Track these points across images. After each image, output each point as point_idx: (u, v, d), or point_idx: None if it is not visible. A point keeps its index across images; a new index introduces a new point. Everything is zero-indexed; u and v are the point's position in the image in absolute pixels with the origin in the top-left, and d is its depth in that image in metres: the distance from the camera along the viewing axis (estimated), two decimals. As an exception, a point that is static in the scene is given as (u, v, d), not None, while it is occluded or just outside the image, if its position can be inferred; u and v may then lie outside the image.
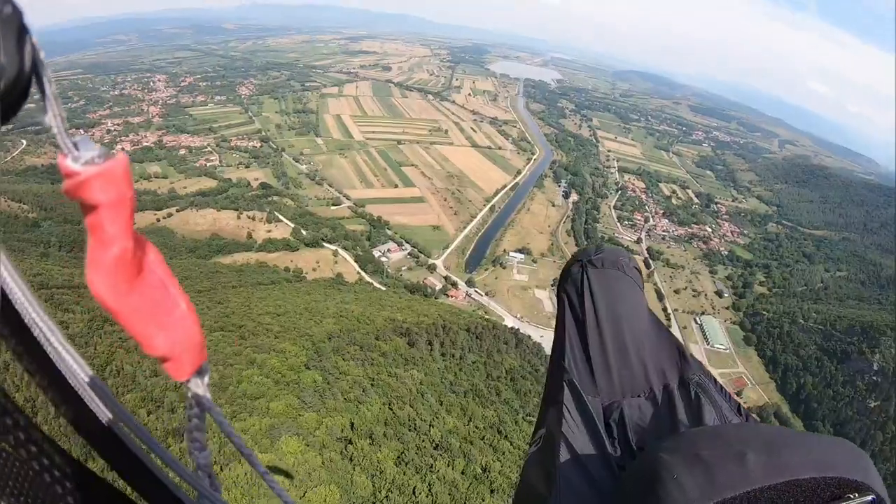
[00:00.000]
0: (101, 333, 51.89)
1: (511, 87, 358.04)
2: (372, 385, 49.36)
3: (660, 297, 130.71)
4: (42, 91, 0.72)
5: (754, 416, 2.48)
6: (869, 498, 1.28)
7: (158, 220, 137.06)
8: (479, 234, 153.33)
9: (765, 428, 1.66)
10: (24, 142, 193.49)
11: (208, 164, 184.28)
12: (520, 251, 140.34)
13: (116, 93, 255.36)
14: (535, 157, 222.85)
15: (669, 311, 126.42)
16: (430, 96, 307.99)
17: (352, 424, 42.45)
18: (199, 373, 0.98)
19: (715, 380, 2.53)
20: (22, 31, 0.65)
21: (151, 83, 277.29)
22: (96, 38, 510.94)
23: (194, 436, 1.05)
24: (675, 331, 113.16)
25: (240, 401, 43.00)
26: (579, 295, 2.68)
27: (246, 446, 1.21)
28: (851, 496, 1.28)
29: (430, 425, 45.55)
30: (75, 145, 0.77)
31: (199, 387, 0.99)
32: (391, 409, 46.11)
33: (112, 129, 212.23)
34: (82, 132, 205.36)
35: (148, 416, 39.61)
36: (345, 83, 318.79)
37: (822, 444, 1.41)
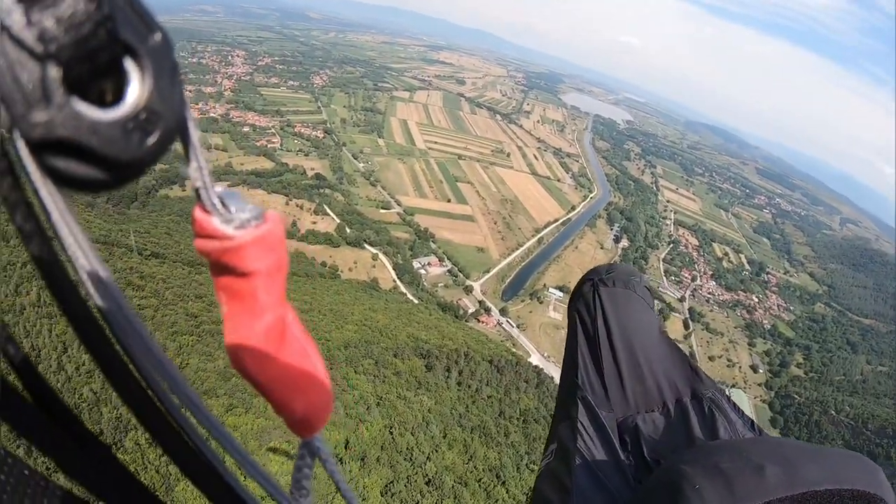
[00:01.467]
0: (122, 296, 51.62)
1: (580, 120, 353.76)
2: (378, 404, 48.13)
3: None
4: (186, 139, 0.62)
5: (766, 432, 2.54)
6: None
7: None
8: (523, 264, 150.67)
9: (783, 441, 1.70)
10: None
11: (269, 146, 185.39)
12: (559, 288, 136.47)
13: (194, 60, 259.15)
14: (592, 195, 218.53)
15: None
16: (499, 117, 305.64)
17: (346, 443, 41.42)
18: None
19: (728, 397, 2.56)
20: (175, 68, 0.57)
21: (230, 57, 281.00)
22: (187, 5, 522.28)
23: (302, 484, 1.03)
24: None
25: (239, 394, 42.13)
26: (591, 313, 2.77)
27: (350, 489, 1.20)
28: None
29: (427, 458, 44.14)
30: (223, 202, 0.68)
31: (322, 443, 0.97)
32: (391, 434, 44.85)
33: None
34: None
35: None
36: (417, 90, 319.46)
37: (839, 458, 1.44)
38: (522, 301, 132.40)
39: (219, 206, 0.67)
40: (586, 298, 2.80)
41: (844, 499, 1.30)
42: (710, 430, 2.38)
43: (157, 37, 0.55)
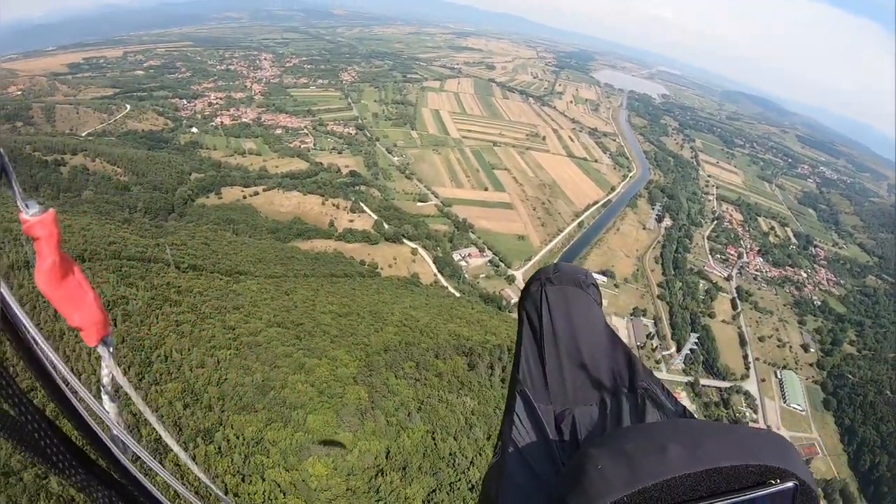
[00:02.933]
0: (159, 314, 51.45)
1: (614, 98, 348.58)
2: (419, 409, 46.49)
3: (742, 342, 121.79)
4: (7, 175, 1.28)
5: (697, 417, 2.67)
6: (790, 483, 1.36)
7: (245, 197, 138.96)
8: (565, 250, 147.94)
9: (692, 422, 1.76)
10: (129, 106, 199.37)
11: (302, 146, 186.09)
12: (603, 273, 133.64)
13: (223, 67, 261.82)
14: (631, 174, 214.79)
15: (750, 359, 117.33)
16: (532, 100, 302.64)
17: (387, 452, 39.94)
18: (105, 343, 1.67)
19: (662, 386, 2.75)
20: None
21: (258, 61, 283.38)
22: (212, 14, 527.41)
23: (105, 389, 1.74)
24: (752, 382, 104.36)
25: (278, 408, 41.58)
26: (538, 311, 2.91)
27: (150, 410, 1.77)
28: (773, 482, 1.35)
29: (470, 462, 42.43)
30: (27, 205, 1.39)
31: (105, 352, 1.69)
32: (433, 440, 43.22)
33: (214, 101, 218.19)
34: (185, 102, 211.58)
35: (184, 409, 38.83)
36: (447, 78, 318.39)
37: (745, 434, 1.49)
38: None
39: (25, 207, 1.38)
40: (534, 297, 2.95)
41: (751, 474, 1.35)
42: (640, 419, 2.53)
43: None
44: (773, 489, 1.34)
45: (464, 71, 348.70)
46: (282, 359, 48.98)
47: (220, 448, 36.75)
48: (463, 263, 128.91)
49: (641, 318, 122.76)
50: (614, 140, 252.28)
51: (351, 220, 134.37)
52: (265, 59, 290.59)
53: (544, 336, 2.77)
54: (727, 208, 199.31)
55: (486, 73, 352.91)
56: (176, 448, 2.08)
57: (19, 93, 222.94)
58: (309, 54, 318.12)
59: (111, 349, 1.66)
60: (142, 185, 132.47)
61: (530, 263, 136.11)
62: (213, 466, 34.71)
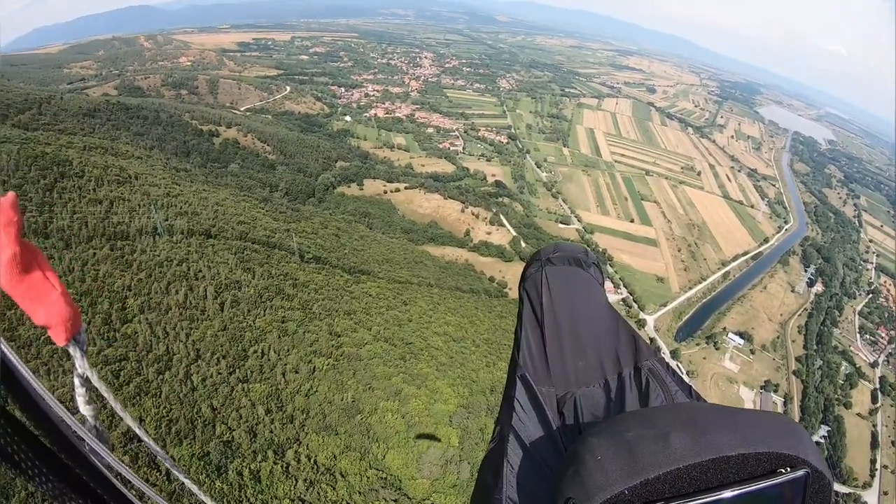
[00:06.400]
0: (268, 307, 51.57)
1: (778, 138, 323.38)
2: (512, 470, 40.63)
3: (874, 443, 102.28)
4: None
5: (704, 399, 2.53)
6: (801, 472, 1.32)
7: (385, 192, 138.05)
8: (703, 301, 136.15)
9: (697, 406, 1.74)
10: (288, 88, 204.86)
11: (451, 148, 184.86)
12: (740, 335, 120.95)
13: (384, 61, 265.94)
14: (787, 226, 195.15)
15: (878, 465, 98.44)
16: (691, 130, 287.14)
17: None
18: (76, 341, 1.47)
19: (667, 364, 2.64)
20: None
21: (418, 59, 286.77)
22: (380, 8, 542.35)
23: (79, 391, 1.58)
24: (873, 493, 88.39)
25: (359, 436, 39.61)
26: (538, 293, 2.82)
27: (104, 390, 1.64)
28: (783, 470, 1.31)
29: None
30: None
31: (76, 351, 1.48)
32: None
33: (371, 93, 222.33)
34: (343, 90, 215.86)
35: (265, 414, 38.64)
36: (605, 97, 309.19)
37: (753, 419, 1.43)
38: (697, 344, 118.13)
39: None
40: (534, 279, 2.87)
41: (760, 462, 1.31)
42: (644, 401, 2.45)
43: None
44: (783, 478, 1.31)
45: (623, 91, 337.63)
46: (379, 380, 46.35)
47: (287, 467, 35.16)
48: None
49: (772, 393, 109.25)
50: (773, 185, 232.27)
51: (488, 233, 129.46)
52: (426, 57, 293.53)
53: (545, 318, 2.70)
54: (886, 281, 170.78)
55: (645, 96, 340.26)
56: (162, 455, 2.02)
57: (189, 64, 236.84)
58: (469, 57, 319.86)
59: (84, 347, 1.53)
60: (287, 165, 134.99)
61: (665, 309, 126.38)
62: (273, 486, 33.47)
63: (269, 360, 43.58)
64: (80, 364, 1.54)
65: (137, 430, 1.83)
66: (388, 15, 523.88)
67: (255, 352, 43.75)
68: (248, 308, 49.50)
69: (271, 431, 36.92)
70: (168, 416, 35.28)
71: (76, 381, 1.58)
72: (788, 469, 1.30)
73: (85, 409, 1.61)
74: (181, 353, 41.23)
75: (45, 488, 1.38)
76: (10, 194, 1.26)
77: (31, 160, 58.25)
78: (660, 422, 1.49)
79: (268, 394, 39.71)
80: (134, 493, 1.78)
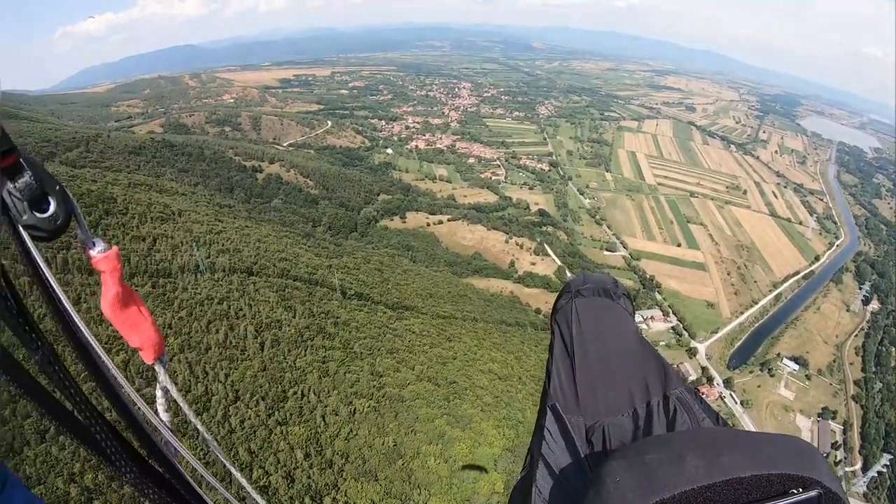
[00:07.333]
0: (309, 347, 51.45)
1: (822, 149, 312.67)
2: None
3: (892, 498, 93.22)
4: (77, 219, 1.50)
5: (730, 423, 2.68)
6: (814, 493, 1.32)
7: (428, 225, 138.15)
8: (756, 325, 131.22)
9: (714, 431, 1.82)
10: (330, 122, 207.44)
11: (493, 178, 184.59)
12: (794, 360, 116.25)
13: (422, 93, 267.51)
14: (838, 242, 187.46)
15: None
16: (733, 147, 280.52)
17: None
18: (160, 361, 1.91)
19: (695, 392, 2.70)
20: (63, 191, 1.49)
21: (456, 89, 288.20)
22: (416, 41, 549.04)
23: (160, 401, 1.99)
24: None
25: (400, 483, 38.63)
26: (568, 324, 2.92)
27: (192, 415, 2.08)
28: (795, 491, 1.32)
29: None
30: (94, 243, 1.60)
31: (160, 368, 1.92)
32: None
33: (411, 125, 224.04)
34: (383, 123, 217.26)
35: (304, 459, 38.16)
36: (645, 118, 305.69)
37: (766, 441, 1.47)
38: (751, 372, 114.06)
39: (92, 245, 1.59)
40: (564, 311, 2.98)
41: (773, 484, 1.32)
42: (671, 428, 2.50)
43: (57, 186, 1.42)
44: (796, 498, 1.32)
45: (662, 111, 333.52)
46: (422, 423, 45.45)
47: (323, 513, 34.22)
48: (644, 327, 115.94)
49: (830, 421, 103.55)
50: (821, 199, 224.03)
51: (533, 263, 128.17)
52: (464, 87, 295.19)
53: (575, 349, 2.81)
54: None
55: (685, 115, 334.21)
56: (223, 457, 2.25)
57: (232, 101, 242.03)
58: (507, 85, 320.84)
59: (165, 366, 1.92)
60: (330, 199, 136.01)
61: (717, 336, 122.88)
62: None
63: (308, 401, 43.08)
64: (163, 378, 1.94)
65: (206, 435, 2.24)
66: (424, 47, 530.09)
67: (295, 393, 43.32)
68: (289, 348, 49.13)
69: (309, 477, 36.25)
70: (205, 459, 34.09)
71: (158, 391, 1.98)
72: (801, 490, 1.31)
73: (164, 415, 2.00)
74: (220, 393, 41.01)
75: (128, 477, 1.65)
76: (115, 248, 1.62)
77: (77, 198, 58.26)
78: (678, 445, 1.53)
79: (307, 437, 39.19)
80: (204, 488, 2.07)
